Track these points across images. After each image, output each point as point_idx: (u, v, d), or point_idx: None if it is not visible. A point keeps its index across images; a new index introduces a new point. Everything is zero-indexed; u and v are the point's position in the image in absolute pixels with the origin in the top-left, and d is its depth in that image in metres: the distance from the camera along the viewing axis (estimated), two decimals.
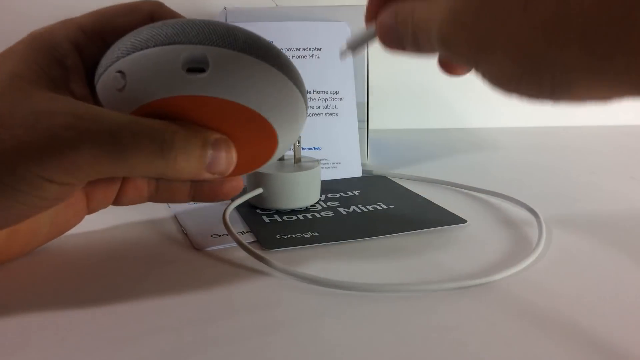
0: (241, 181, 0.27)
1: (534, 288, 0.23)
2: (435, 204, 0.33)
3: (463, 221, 0.30)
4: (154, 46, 0.21)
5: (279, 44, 0.41)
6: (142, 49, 0.21)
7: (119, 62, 0.21)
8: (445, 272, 0.24)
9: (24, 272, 0.25)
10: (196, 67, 0.21)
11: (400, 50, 0.21)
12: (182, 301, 0.22)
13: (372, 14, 0.22)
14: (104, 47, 0.23)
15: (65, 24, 0.23)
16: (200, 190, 0.27)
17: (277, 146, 0.24)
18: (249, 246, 0.25)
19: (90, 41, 0.23)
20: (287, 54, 0.41)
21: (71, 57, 0.22)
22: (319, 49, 0.41)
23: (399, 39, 0.21)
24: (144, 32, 0.21)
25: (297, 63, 0.41)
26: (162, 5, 0.24)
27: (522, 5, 0.16)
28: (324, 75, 0.41)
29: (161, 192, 0.27)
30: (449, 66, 0.24)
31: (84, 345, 0.19)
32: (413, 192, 0.36)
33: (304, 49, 0.41)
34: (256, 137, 0.23)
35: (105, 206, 0.26)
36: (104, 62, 0.22)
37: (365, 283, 0.23)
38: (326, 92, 0.41)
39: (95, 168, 0.20)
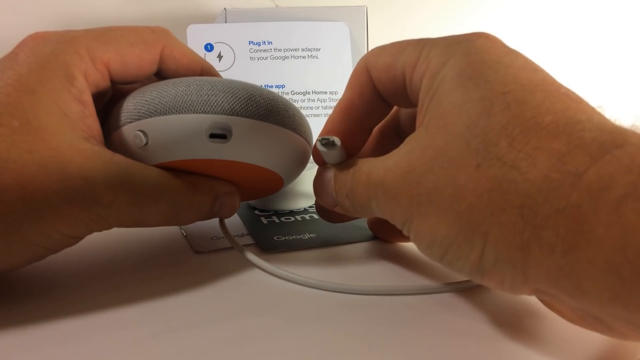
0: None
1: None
2: None
3: None
4: (178, 113, 0.21)
5: (279, 44, 0.41)
6: (166, 114, 0.21)
7: (142, 122, 0.22)
8: (444, 274, 0.24)
9: (21, 273, 0.25)
10: (219, 134, 0.22)
11: (328, 204, 0.24)
12: (181, 304, 0.22)
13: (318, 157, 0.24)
14: (108, 76, 0.23)
15: (75, 46, 0.21)
16: None
17: (282, 185, 0.26)
18: (245, 249, 0.26)
19: (97, 70, 0.22)
20: (286, 54, 0.41)
21: (85, 91, 0.21)
22: (318, 49, 0.41)
23: (329, 194, 0.23)
24: (169, 94, 0.21)
25: (296, 63, 0.41)
26: (169, 36, 0.24)
27: (474, 165, 0.17)
28: (323, 75, 0.41)
29: None
30: (383, 231, 0.27)
31: (83, 348, 0.19)
32: None
33: (303, 49, 0.41)
34: (263, 182, 0.25)
35: None
36: (123, 115, 0.22)
37: (363, 285, 0.23)
38: (325, 92, 0.41)
39: (116, 225, 0.22)
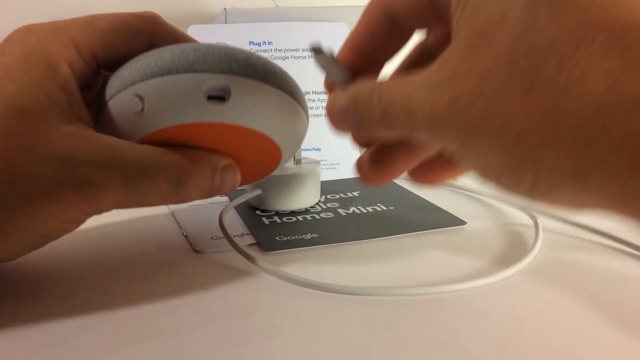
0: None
1: (524, 292, 0.23)
2: (434, 205, 0.33)
3: (462, 222, 0.30)
4: (175, 73, 0.21)
5: (279, 44, 0.41)
6: (162, 75, 0.21)
7: (138, 86, 0.21)
8: (445, 274, 0.24)
9: (17, 273, 0.25)
10: (217, 95, 0.21)
11: (351, 130, 0.21)
12: (181, 304, 0.22)
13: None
14: (94, 63, 0.23)
15: (59, 36, 0.22)
16: None
17: (280, 160, 0.25)
18: (245, 250, 0.25)
19: (81, 57, 0.22)
20: (287, 54, 0.41)
21: (70, 80, 0.21)
22: None
23: (352, 119, 0.20)
24: (164, 57, 0.21)
25: (296, 63, 0.41)
26: (158, 21, 0.24)
27: (523, 91, 0.15)
28: (323, 75, 0.41)
29: None
30: (425, 174, 0.24)
31: (82, 349, 0.19)
32: (413, 193, 0.36)
33: (303, 49, 0.41)
34: (262, 155, 0.24)
35: None
36: (117, 83, 0.22)
37: (365, 287, 0.23)
38: (325, 92, 0.41)
39: (114, 207, 0.21)
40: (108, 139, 0.21)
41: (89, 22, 0.23)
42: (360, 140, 0.25)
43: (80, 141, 0.20)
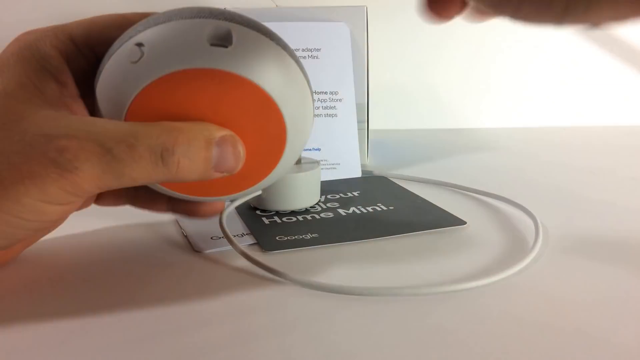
0: (222, 204, 0.27)
1: (524, 292, 0.23)
2: (434, 205, 0.33)
3: (462, 222, 0.30)
4: (178, 19, 0.21)
5: None
6: (164, 22, 0.21)
7: (138, 36, 0.21)
8: (444, 274, 0.24)
9: (16, 274, 0.25)
10: (219, 44, 0.20)
11: None
12: (181, 304, 0.22)
13: None
14: (94, 59, 0.23)
15: (56, 32, 0.22)
16: (177, 206, 0.26)
17: (284, 144, 0.23)
18: (245, 250, 0.25)
19: (79, 52, 0.22)
20: None
21: (64, 71, 0.22)
22: (318, 50, 0.41)
23: None
24: (164, 12, 0.21)
25: None
26: None
27: None
28: (323, 76, 0.41)
29: (140, 199, 0.27)
30: (439, 5, 0.21)
31: (82, 349, 0.19)
32: (413, 193, 0.36)
33: (303, 50, 0.41)
34: (264, 133, 0.22)
35: (85, 206, 0.26)
36: (116, 43, 0.22)
37: (364, 287, 0.23)
38: (325, 92, 0.41)
39: (97, 184, 0.19)
40: (88, 118, 0.21)
41: (89, 20, 0.23)
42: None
43: (57, 119, 0.20)
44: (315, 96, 0.41)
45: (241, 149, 0.22)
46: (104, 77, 0.21)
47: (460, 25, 0.63)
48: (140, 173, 0.20)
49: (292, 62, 0.22)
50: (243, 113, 0.21)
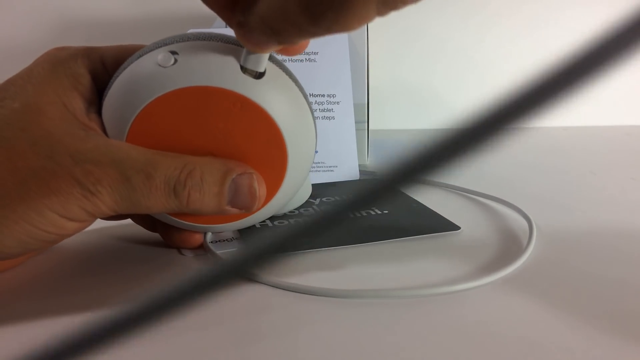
0: (200, 237, 0.27)
1: (519, 293, 0.23)
2: (429, 209, 0.33)
3: (456, 228, 0.30)
4: (217, 41, 0.22)
5: None
6: (203, 40, 0.22)
7: (174, 45, 0.22)
8: (438, 276, 0.24)
9: (16, 274, 0.25)
10: (251, 73, 0.22)
11: None
12: None
13: None
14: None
15: (89, 53, 0.23)
16: (155, 228, 0.28)
17: (284, 177, 0.24)
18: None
19: (107, 74, 0.24)
20: (285, 57, 0.41)
21: (92, 91, 0.23)
22: (315, 53, 0.41)
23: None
24: (205, 32, 0.23)
25: (293, 66, 0.41)
26: None
27: None
28: (320, 78, 0.41)
29: (141, 218, 0.28)
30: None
31: None
32: (408, 195, 0.36)
33: (302, 53, 0.41)
34: (266, 164, 0.24)
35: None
36: (146, 48, 0.23)
37: (357, 289, 0.23)
38: (323, 95, 0.41)
39: (113, 208, 0.21)
40: (113, 141, 0.22)
41: (120, 45, 0.24)
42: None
43: (84, 141, 0.21)
44: (312, 99, 0.41)
45: (257, 187, 0.23)
46: (124, 78, 0.22)
47: (461, 26, 0.63)
48: (155, 203, 0.21)
49: (305, 104, 0.24)
50: (251, 141, 0.23)
